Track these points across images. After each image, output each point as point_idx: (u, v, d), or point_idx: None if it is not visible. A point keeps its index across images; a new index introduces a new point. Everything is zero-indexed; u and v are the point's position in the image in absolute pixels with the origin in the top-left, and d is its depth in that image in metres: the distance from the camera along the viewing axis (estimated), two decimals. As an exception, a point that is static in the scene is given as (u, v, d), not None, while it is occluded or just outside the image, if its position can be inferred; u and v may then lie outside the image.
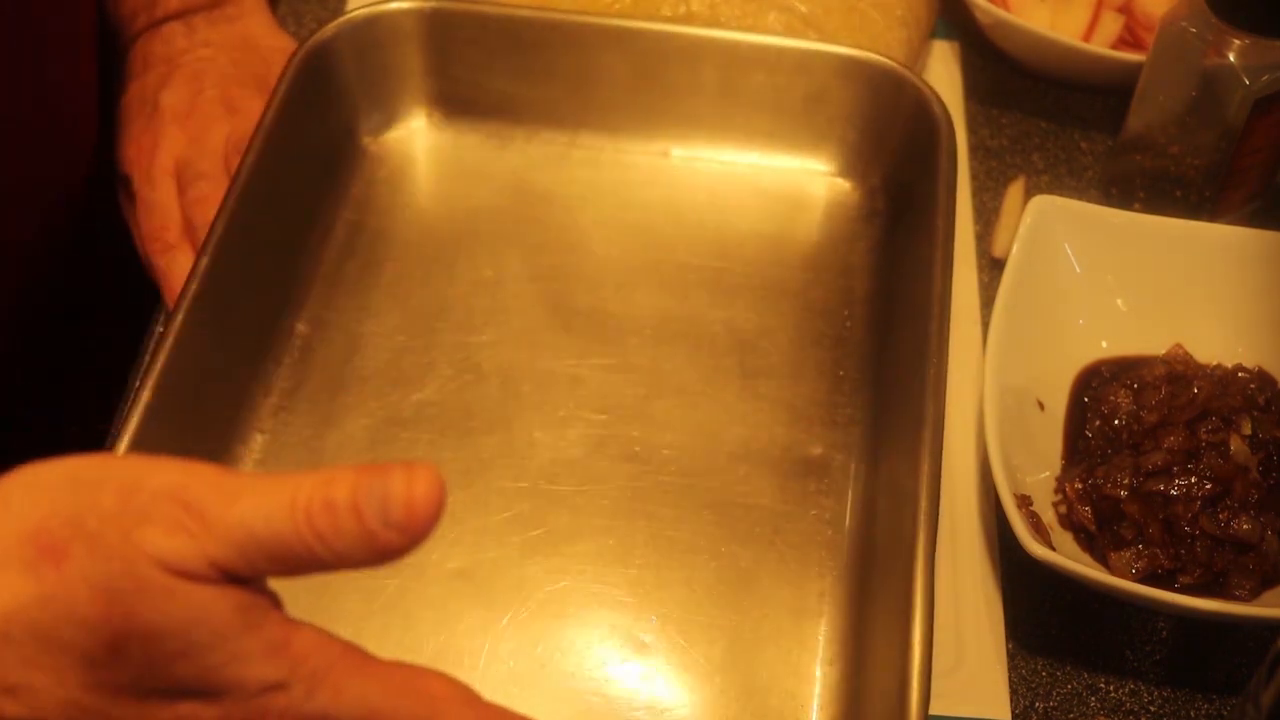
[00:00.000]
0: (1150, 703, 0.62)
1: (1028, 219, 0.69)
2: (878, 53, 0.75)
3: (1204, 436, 0.64)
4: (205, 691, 0.38)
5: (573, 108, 0.78)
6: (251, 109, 0.73)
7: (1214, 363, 0.69)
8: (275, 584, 0.41)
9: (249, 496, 0.37)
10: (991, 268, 0.76)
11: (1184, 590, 0.60)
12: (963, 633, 0.63)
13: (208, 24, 0.78)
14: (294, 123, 0.71)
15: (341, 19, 0.75)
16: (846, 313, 0.72)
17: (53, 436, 0.78)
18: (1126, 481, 0.63)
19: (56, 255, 0.76)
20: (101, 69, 0.77)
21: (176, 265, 0.70)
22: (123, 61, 0.79)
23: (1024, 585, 0.65)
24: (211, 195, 0.70)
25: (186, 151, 0.73)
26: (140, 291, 0.74)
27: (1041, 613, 0.64)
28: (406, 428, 0.67)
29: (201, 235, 0.67)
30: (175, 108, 0.74)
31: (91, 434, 0.69)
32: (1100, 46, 0.81)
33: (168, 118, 0.74)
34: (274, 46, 0.79)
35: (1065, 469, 0.66)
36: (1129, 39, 0.83)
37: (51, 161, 0.73)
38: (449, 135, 0.79)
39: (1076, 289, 0.70)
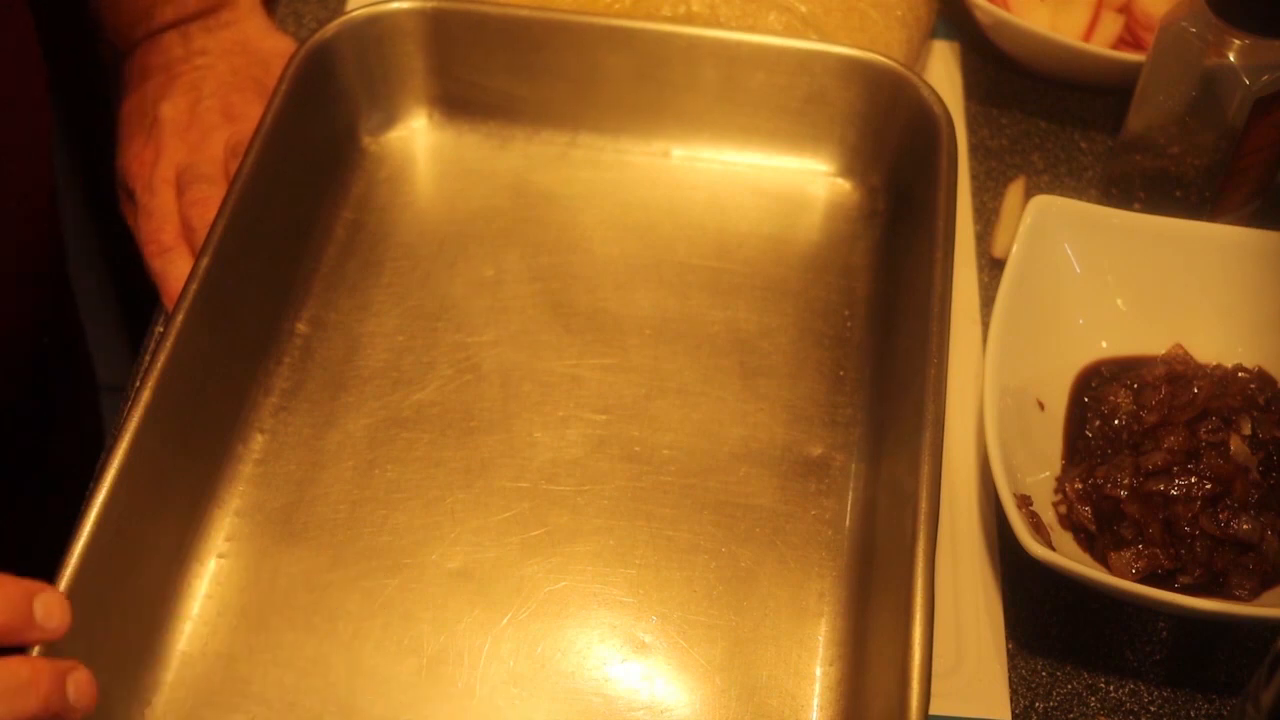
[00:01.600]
0: (1150, 703, 0.62)
1: (1028, 219, 0.69)
2: (878, 53, 0.75)
3: (1204, 436, 0.64)
4: None
5: (573, 108, 0.78)
6: (251, 114, 0.73)
7: (1214, 363, 0.69)
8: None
9: None
10: (991, 268, 0.76)
11: (1184, 590, 0.60)
12: (963, 633, 0.63)
13: (204, 32, 0.78)
14: (294, 123, 0.71)
15: (342, 19, 0.75)
16: (847, 313, 0.72)
17: (52, 438, 0.78)
18: (1126, 481, 0.63)
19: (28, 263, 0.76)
20: (62, 81, 0.77)
21: (174, 267, 0.70)
22: (120, 73, 0.79)
23: (1024, 585, 0.65)
24: (209, 197, 0.70)
25: (187, 160, 0.73)
26: (140, 291, 0.74)
27: (1041, 613, 0.64)
28: (406, 428, 0.67)
29: (200, 237, 0.67)
30: (175, 120, 0.75)
31: (92, 433, 0.69)
32: (1100, 46, 0.81)
33: (168, 130, 0.74)
34: (272, 49, 0.79)
35: (1065, 469, 0.66)
36: (1129, 39, 0.83)
37: (7, 177, 0.72)
38: (449, 135, 0.79)
39: (1076, 289, 0.70)
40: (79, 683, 0.48)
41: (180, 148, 0.74)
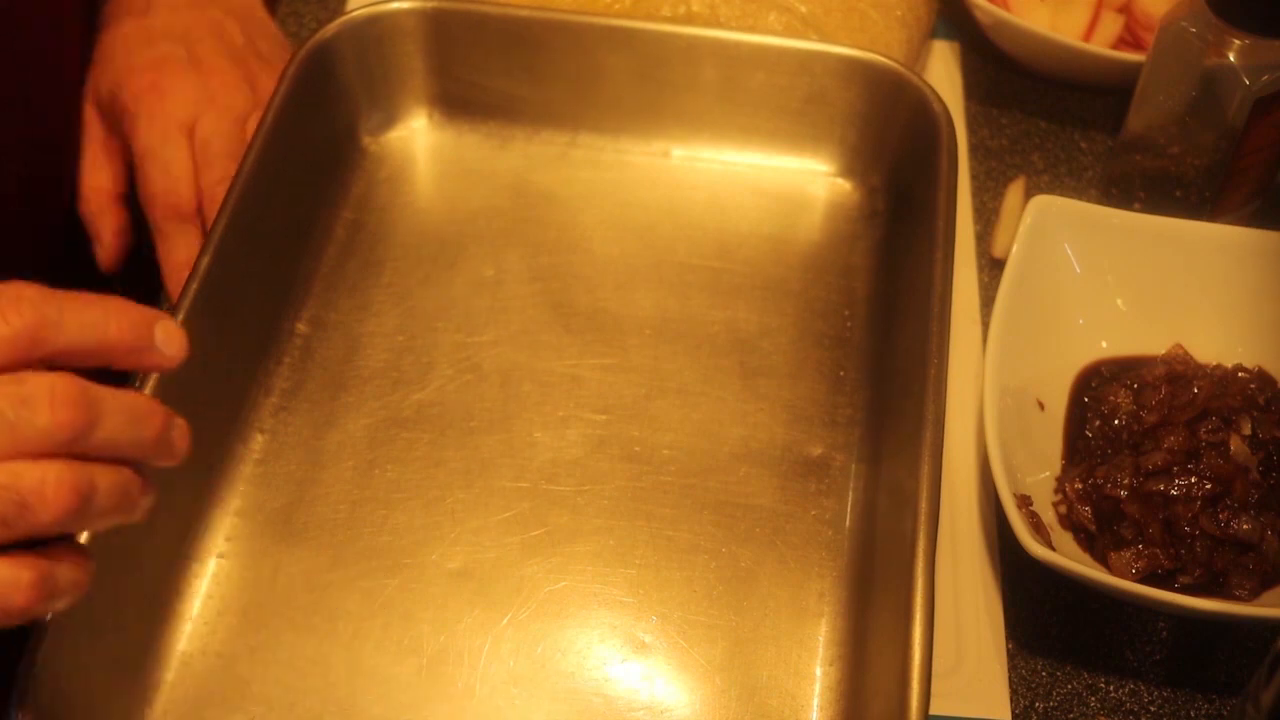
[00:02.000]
0: (1150, 703, 0.62)
1: (1028, 219, 0.69)
2: (878, 53, 0.75)
3: (1204, 436, 0.64)
4: None
5: (573, 108, 0.78)
6: (264, 85, 0.72)
7: (1214, 363, 0.69)
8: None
9: None
10: (991, 268, 0.76)
11: (1184, 590, 0.61)
12: (963, 633, 0.63)
13: None
14: (295, 123, 0.71)
15: (342, 19, 0.75)
16: (847, 313, 0.72)
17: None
18: (1126, 481, 0.63)
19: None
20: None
21: (185, 241, 0.70)
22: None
23: (1024, 585, 0.65)
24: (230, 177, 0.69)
25: (203, 117, 0.71)
26: (140, 289, 0.74)
27: (1041, 613, 0.64)
28: (406, 428, 0.67)
29: (212, 218, 0.66)
30: (191, 57, 0.73)
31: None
32: (1100, 46, 0.81)
33: (179, 64, 0.72)
34: (276, 34, 0.78)
35: (1065, 469, 0.66)
36: (1129, 39, 0.83)
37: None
38: (449, 135, 0.79)
39: (1076, 289, 0.70)
40: (181, 430, 0.49)
41: (189, 88, 0.72)
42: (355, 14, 0.76)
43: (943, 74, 0.86)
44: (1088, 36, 0.82)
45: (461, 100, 0.79)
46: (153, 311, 0.48)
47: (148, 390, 0.60)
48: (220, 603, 0.61)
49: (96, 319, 0.47)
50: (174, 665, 0.60)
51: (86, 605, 0.55)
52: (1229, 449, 0.64)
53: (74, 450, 0.46)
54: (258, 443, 0.67)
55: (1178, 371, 0.68)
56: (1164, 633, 0.64)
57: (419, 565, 0.62)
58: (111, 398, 0.47)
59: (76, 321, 0.47)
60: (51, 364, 0.46)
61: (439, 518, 0.64)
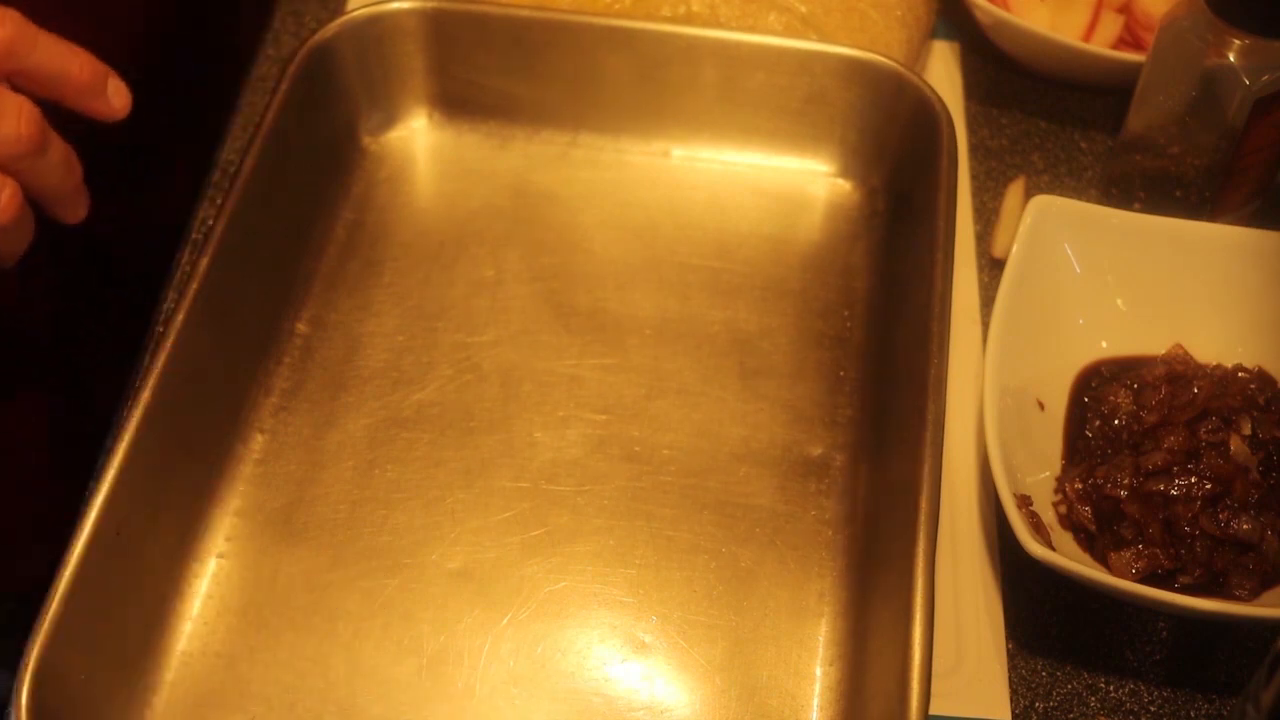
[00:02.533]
0: (1150, 703, 0.62)
1: (1028, 219, 0.69)
2: (878, 53, 0.75)
3: (1204, 436, 0.64)
4: None
5: (573, 108, 0.78)
6: None
7: (1214, 363, 0.69)
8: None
9: None
10: (991, 268, 0.76)
11: (1184, 590, 0.61)
12: (963, 633, 0.63)
13: None
14: (294, 122, 0.71)
15: (342, 18, 0.75)
16: (846, 313, 0.72)
17: (51, 437, 0.78)
18: (1126, 481, 0.63)
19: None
20: None
21: None
22: None
23: (1024, 585, 0.65)
24: None
25: None
26: (141, 291, 0.74)
27: (1041, 613, 0.64)
28: (406, 428, 0.67)
29: None
30: None
31: (90, 434, 0.69)
32: (1100, 46, 0.81)
33: None
34: None
35: (1065, 469, 0.66)
36: (1129, 39, 0.83)
37: None
38: (449, 135, 0.79)
39: (1076, 289, 0.70)
40: (80, 192, 0.58)
41: None
42: (355, 14, 0.76)
43: (943, 74, 0.86)
44: (1088, 36, 0.82)
45: (461, 100, 0.79)
46: (108, 67, 0.56)
47: (150, 382, 0.60)
48: (220, 603, 0.61)
49: (64, 52, 0.54)
50: (174, 665, 0.60)
51: (87, 605, 0.55)
52: (1229, 449, 0.64)
53: (19, 166, 0.52)
54: (258, 443, 0.67)
55: (1178, 371, 0.68)
56: (1164, 633, 0.64)
57: (419, 565, 0.63)
58: (55, 137, 0.53)
59: (49, 49, 0.53)
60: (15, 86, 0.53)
61: (439, 518, 0.64)
